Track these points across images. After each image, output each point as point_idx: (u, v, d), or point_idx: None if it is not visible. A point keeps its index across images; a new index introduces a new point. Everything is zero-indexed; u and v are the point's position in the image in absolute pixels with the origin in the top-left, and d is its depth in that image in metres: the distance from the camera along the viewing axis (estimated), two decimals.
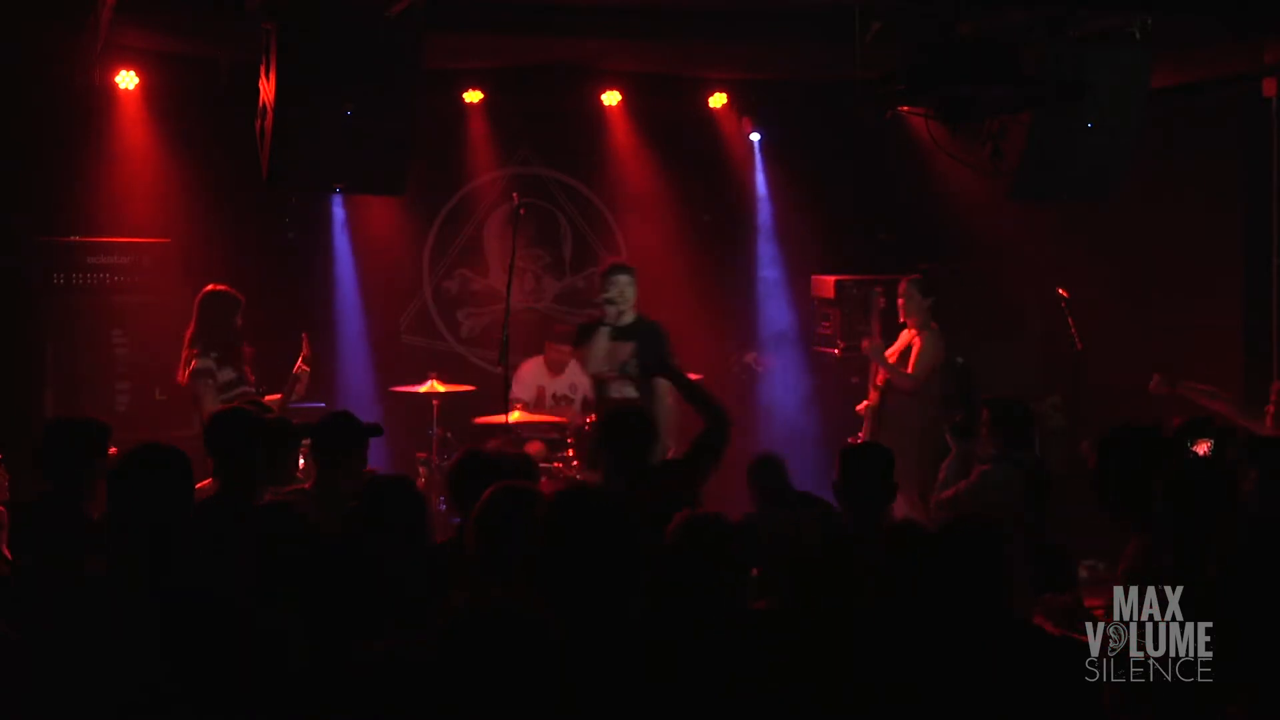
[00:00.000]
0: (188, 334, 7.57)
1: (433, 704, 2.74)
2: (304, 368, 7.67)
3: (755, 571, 4.26)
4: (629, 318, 7.74)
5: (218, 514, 4.71)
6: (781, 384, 10.64)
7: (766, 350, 10.75)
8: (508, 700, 2.65)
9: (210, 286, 7.69)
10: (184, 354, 7.55)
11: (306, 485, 5.34)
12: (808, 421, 10.20)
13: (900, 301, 8.50)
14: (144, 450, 3.99)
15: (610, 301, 7.71)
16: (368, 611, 3.54)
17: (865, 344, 8.39)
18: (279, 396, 7.46)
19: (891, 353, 8.45)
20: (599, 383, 7.76)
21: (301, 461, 6.23)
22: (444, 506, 7.27)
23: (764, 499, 5.82)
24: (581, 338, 7.81)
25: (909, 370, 8.29)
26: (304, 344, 7.87)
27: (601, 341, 7.65)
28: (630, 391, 7.61)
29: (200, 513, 4.79)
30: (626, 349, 7.66)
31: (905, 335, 8.51)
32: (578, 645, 3.00)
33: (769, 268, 10.89)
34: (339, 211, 9.84)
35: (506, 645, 2.66)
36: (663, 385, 7.43)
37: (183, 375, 7.58)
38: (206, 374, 7.42)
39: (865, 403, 8.62)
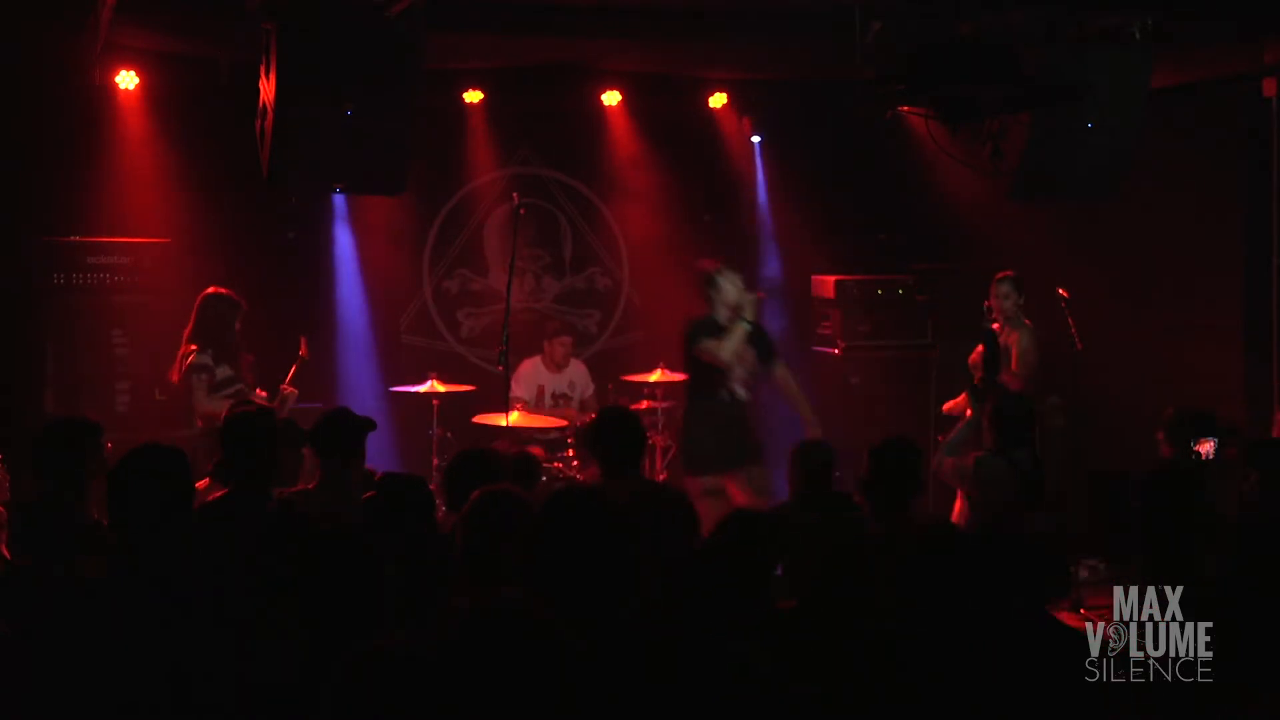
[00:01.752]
0: (185, 332, 7.59)
1: (433, 704, 2.74)
2: (291, 390, 7.65)
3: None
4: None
5: (231, 513, 4.73)
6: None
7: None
8: (512, 701, 2.64)
9: (211, 289, 7.69)
10: (180, 351, 7.56)
11: (310, 485, 5.33)
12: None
13: (994, 301, 8.42)
14: (143, 451, 3.99)
15: (732, 303, 7.68)
16: (374, 609, 3.53)
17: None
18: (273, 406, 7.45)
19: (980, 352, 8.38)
20: (725, 374, 7.68)
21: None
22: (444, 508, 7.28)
23: (802, 488, 5.77)
24: (709, 332, 7.68)
25: (1014, 368, 8.25)
26: (302, 346, 7.87)
27: (740, 336, 7.62)
28: (743, 392, 7.70)
29: (213, 511, 4.82)
30: (752, 354, 7.70)
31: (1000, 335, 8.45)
32: (581, 645, 2.99)
33: (769, 267, 10.89)
34: (339, 212, 9.85)
35: (512, 645, 2.64)
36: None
37: (176, 373, 7.59)
38: (202, 369, 7.44)
39: (953, 402, 8.51)
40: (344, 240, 9.91)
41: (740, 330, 7.59)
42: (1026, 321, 8.38)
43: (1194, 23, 7.58)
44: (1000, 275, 8.49)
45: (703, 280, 7.79)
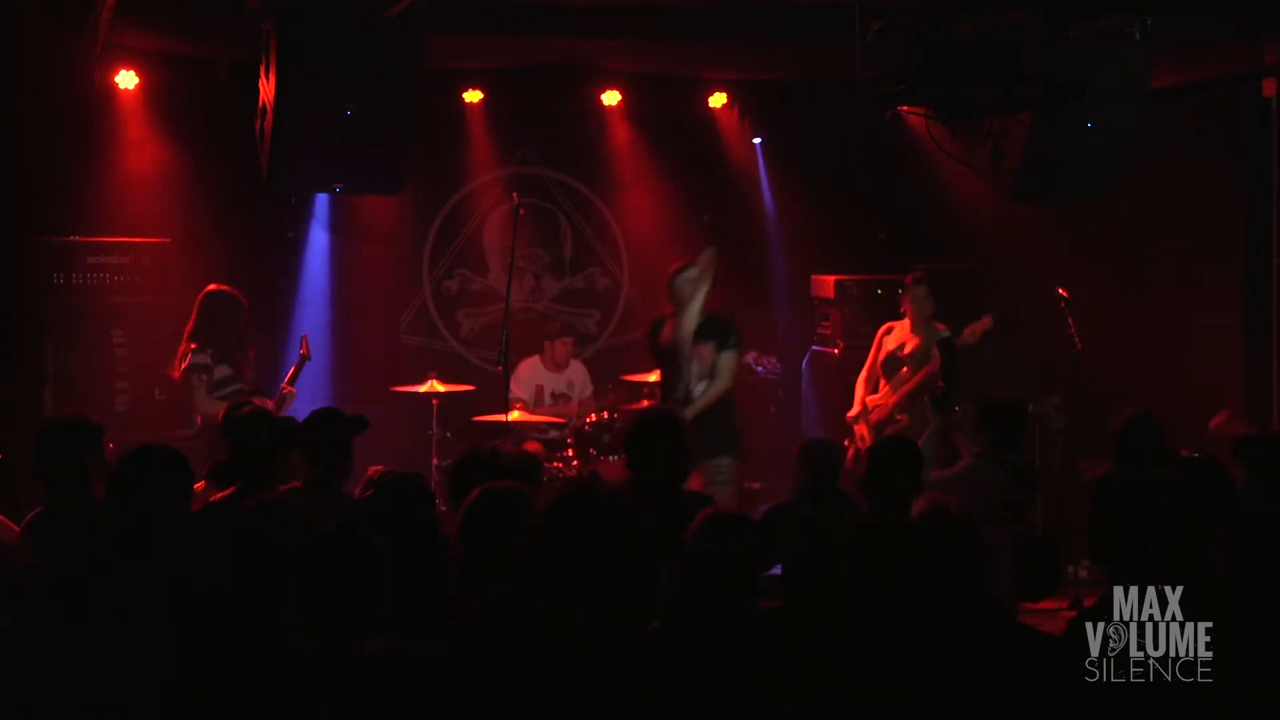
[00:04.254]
0: (186, 329, 7.59)
1: (437, 705, 2.73)
2: (290, 389, 7.66)
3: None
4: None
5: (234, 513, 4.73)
6: (781, 383, 10.64)
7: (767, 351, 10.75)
8: (524, 702, 2.62)
9: (213, 285, 7.69)
10: (180, 349, 7.56)
11: (296, 485, 5.32)
12: (808, 421, 10.20)
13: (910, 305, 8.48)
14: (143, 452, 3.99)
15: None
16: (372, 609, 3.54)
17: None
18: (270, 405, 7.44)
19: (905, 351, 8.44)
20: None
21: None
22: (444, 507, 7.27)
23: (805, 487, 5.74)
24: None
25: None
26: (303, 344, 7.88)
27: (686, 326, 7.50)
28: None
29: (220, 511, 4.82)
30: (707, 349, 7.52)
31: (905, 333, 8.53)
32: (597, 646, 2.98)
33: (769, 267, 10.89)
34: (339, 212, 9.84)
35: (531, 645, 2.61)
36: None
37: (177, 370, 7.59)
38: (201, 369, 7.45)
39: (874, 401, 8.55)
40: (344, 240, 9.91)
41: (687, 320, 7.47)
42: (941, 326, 8.40)
43: (1194, 23, 7.58)
44: (915, 276, 8.50)
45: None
